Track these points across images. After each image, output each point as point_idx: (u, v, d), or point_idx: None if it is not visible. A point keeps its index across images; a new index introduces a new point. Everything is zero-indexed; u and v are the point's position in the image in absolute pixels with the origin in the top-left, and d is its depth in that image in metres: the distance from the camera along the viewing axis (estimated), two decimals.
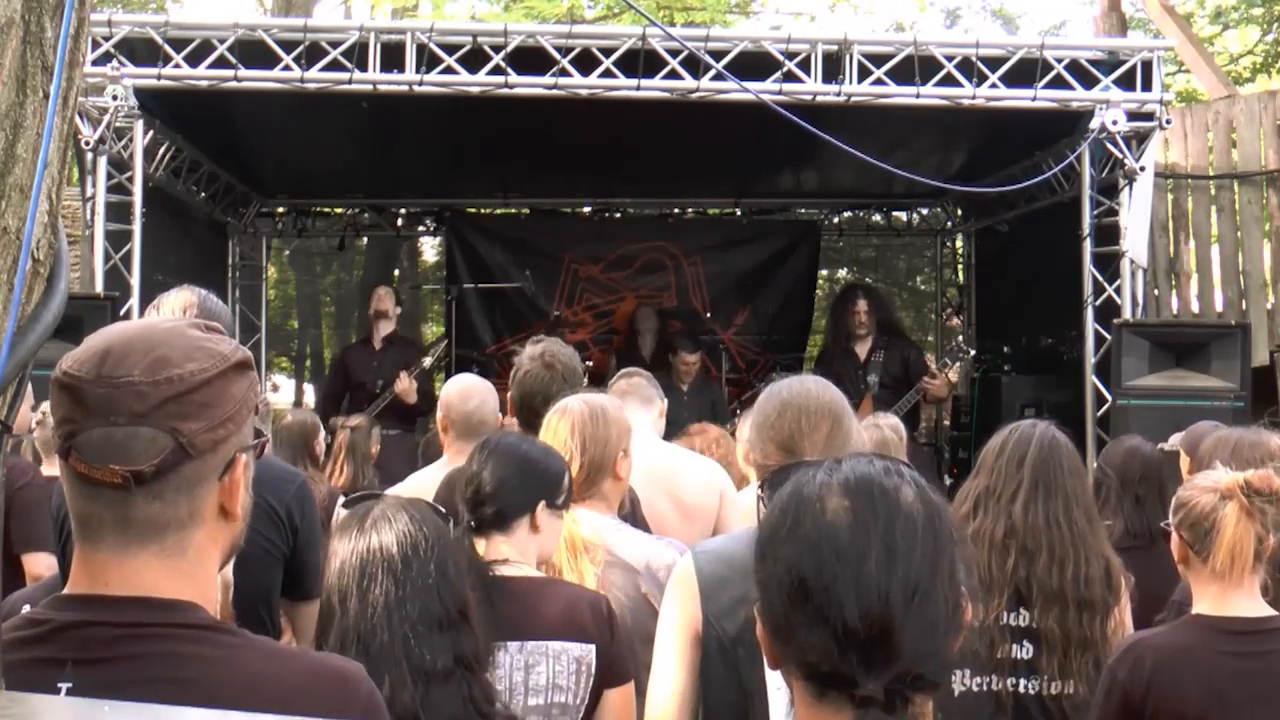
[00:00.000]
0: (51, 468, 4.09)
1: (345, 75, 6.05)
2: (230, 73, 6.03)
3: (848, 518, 1.24)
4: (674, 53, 6.10)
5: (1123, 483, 3.93)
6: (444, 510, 2.25)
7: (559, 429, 2.88)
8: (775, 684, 1.99)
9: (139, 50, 6.10)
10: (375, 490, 2.46)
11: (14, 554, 3.77)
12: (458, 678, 2.01)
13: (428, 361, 7.99)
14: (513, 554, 2.47)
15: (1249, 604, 2.54)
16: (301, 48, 6.04)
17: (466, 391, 3.85)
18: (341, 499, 2.30)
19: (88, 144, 5.97)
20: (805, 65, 6.18)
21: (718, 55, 6.04)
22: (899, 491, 1.26)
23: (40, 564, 3.67)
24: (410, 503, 2.18)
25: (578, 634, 2.38)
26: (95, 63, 5.84)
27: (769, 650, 1.30)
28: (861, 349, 7.87)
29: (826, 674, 1.21)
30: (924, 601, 1.20)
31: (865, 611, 1.18)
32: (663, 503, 3.38)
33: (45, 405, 3.88)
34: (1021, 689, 2.78)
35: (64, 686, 1.20)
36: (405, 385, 7.64)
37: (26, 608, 1.43)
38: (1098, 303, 6.58)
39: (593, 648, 2.38)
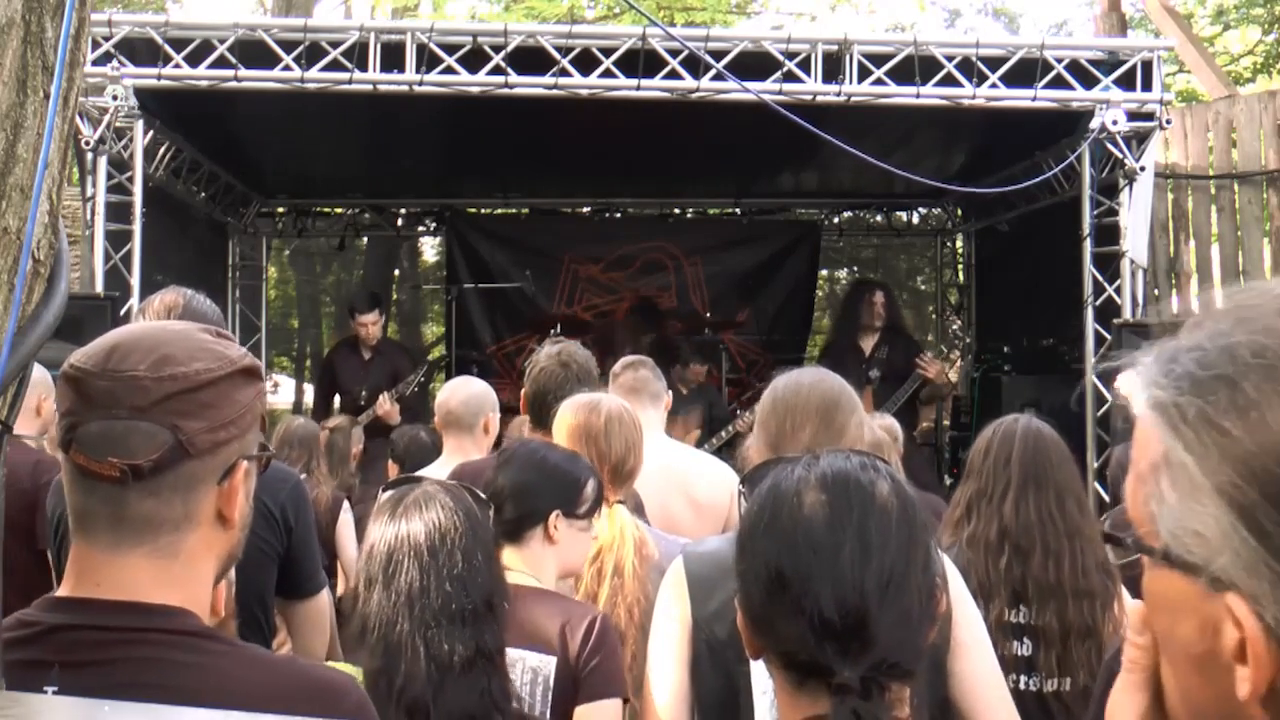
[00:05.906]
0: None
1: (345, 75, 6.04)
2: (230, 73, 6.02)
3: (824, 511, 1.28)
4: (674, 53, 6.09)
5: None
6: (484, 497, 2.20)
7: (611, 428, 2.84)
8: (761, 688, 1.99)
9: (139, 50, 6.09)
10: (416, 475, 2.38)
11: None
12: (478, 670, 1.98)
13: (417, 378, 7.73)
14: (518, 564, 2.34)
15: None
16: (301, 48, 6.03)
17: (446, 386, 4.19)
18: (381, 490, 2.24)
19: (88, 144, 5.96)
20: (805, 65, 6.18)
21: (718, 55, 6.03)
22: (874, 486, 1.30)
23: None
24: (449, 488, 2.12)
25: (538, 644, 2.26)
26: (95, 63, 5.83)
27: (749, 641, 1.34)
28: (867, 344, 7.82)
29: (804, 663, 1.25)
30: (898, 592, 1.24)
31: (841, 602, 1.22)
32: (677, 502, 3.39)
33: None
34: (1022, 686, 2.79)
35: (50, 689, 1.20)
36: (388, 409, 7.34)
37: None
38: (1098, 303, 6.58)
39: (552, 660, 2.24)
